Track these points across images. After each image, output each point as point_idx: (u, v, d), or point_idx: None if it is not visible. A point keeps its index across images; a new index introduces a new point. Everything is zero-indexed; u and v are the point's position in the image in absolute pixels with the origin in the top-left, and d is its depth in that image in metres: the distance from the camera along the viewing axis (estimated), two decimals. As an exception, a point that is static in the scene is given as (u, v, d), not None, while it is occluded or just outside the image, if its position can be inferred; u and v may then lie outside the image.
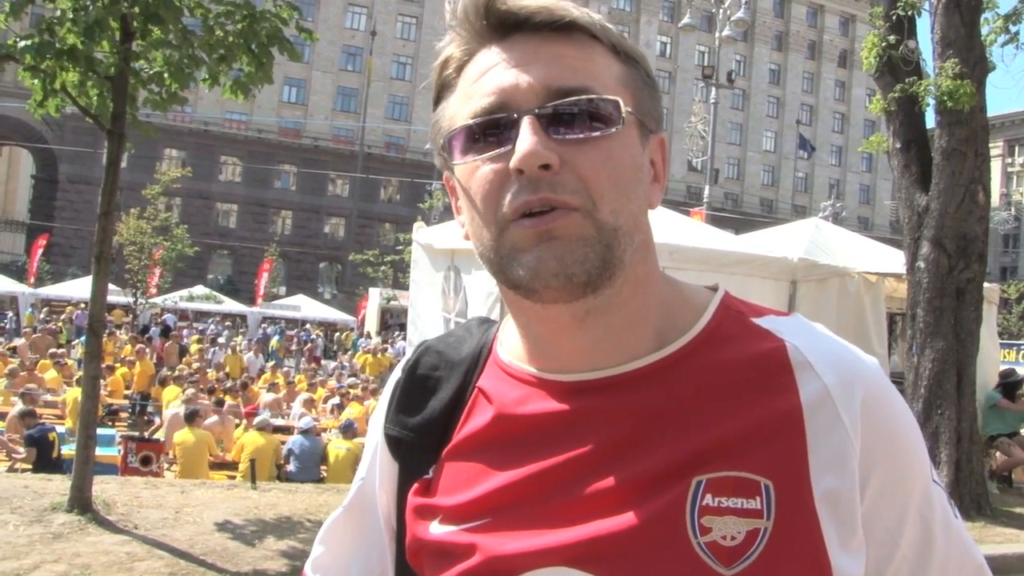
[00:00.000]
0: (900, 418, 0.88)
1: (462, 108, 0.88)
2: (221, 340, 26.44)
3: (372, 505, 1.06)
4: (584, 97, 0.83)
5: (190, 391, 12.83)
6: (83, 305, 30.03)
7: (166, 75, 7.21)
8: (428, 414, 0.99)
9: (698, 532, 0.81)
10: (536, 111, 0.82)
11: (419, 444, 0.98)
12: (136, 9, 6.55)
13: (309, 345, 28.67)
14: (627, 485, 0.84)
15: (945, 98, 8.80)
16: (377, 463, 1.05)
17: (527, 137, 0.81)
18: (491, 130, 0.84)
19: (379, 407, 1.07)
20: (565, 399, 0.89)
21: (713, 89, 25.99)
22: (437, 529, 0.92)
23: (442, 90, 0.93)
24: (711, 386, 0.86)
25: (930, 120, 9.81)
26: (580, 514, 0.84)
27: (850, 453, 0.83)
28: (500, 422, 0.92)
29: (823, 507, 0.81)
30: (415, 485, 0.97)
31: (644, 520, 0.82)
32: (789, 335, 0.89)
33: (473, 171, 0.86)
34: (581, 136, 0.83)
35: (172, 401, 12.60)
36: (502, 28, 0.87)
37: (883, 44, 9.67)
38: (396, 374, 1.06)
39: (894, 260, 10.69)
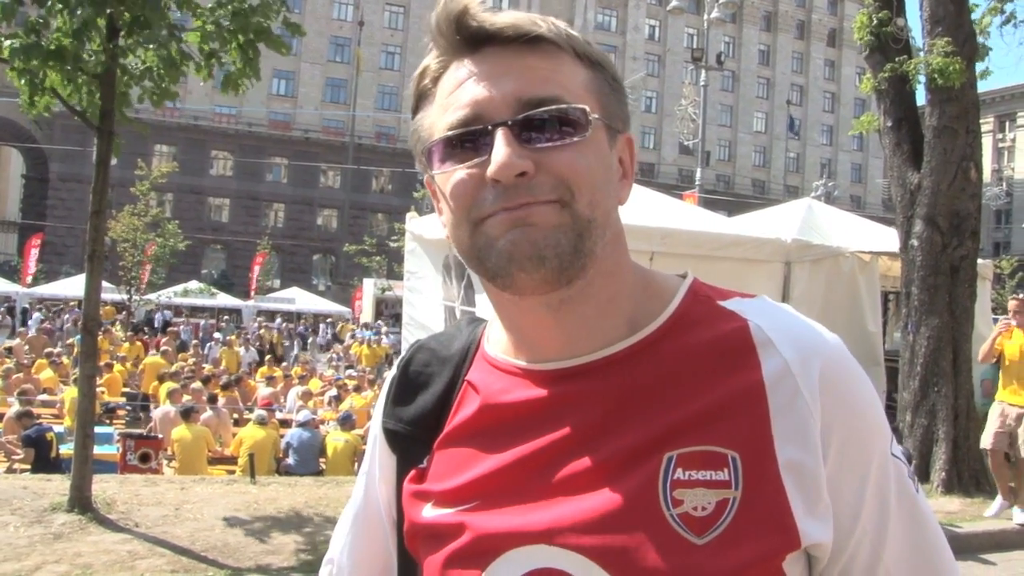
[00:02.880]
0: (857, 391, 0.92)
1: (439, 119, 0.92)
2: (217, 336, 26.39)
3: (375, 497, 1.11)
4: (554, 107, 0.88)
5: (196, 385, 12.86)
6: (72, 304, 30.09)
7: (156, 70, 7.19)
8: (421, 407, 1.05)
9: (670, 505, 0.85)
10: (509, 122, 0.87)
11: (414, 436, 1.04)
12: (123, 8, 6.50)
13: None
14: (602, 465, 0.89)
15: (935, 76, 8.80)
16: (377, 457, 1.10)
17: (501, 148, 0.85)
18: (467, 140, 0.89)
19: (378, 403, 1.12)
20: (544, 386, 0.95)
21: (703, 71, 25.88)
22: (429, 512, 0.97)
23: (420, 99, 0.97)
24: (679, 367, 0.91)
25: (921, 98, 9.82)
26: (560, 494, 0.90)
27: (810, 424, 0.87)
28: (486, 411, 0.98)
29: (787, 475, 0.86)
30: (411, 474, 1.02)
31: (618, 496, 0.87)
32: (752, 315, 0.93)
33: (451, 179, 0.90)
34: (552, 144, 0.88)
35: (165, 398, 12.58)
36: (474, 41, 0.91)
37: (873, 23, 9.66)
38: (392, 371, 1.12)
39: (888, 239, 10.70)
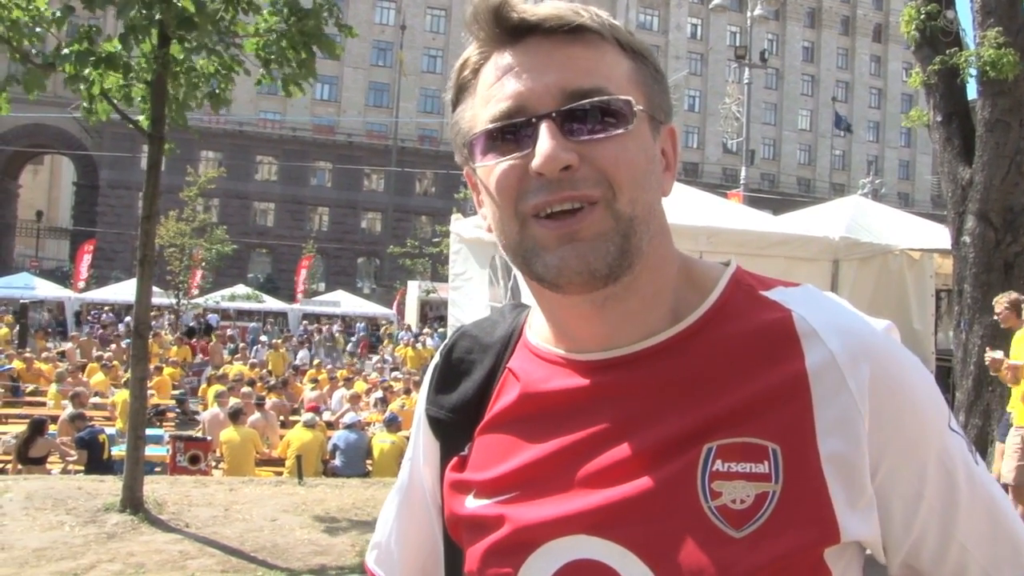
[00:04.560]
0: (909, 379, 0.90)
1: (481, 111, 0.91)
2: (263, 339, 26.70)
3: (420, 483, 1.12)
4: (598, 99, 0.87)
5: (245, 388, 13.06)
6: (107, 309, 30.66)
7: (214, 76, 7.32)
8: (463, 394, 1.06)
9: (709, 497, 0.85)
10: (553, 114, 0.86)
11: (456, 423, 1.05)
12: (171, 14, 6.61)
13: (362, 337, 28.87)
14: (641, 455, 0.89)
15: (987, 68, 8.61)
16: (421, 442, 1.11)
17: (546, 141, 0.85)
18: (510, 132, 0.88)
19: (421, 389, 1.14)
20: (585, 376, 0.94)
21: (746, 69, 25.72)
22: (471, 503, 0.98)
23: (460, 92, 0.97)
24: (721, 358, 0.90)
25: (972, 91, 9.62)
26: (599, 485, 0.89)
27: (856, 417, 0.85)
28: (526, 399, 0.98)
29: (829, 469, 0.84)
30: (453, 461, 1.03)
31: (657, 487, 0.87)
32: (796, 305, 0.92)
33: (493, 171, 0.90)
34: (597, 136, 0.87)
35: (214, 400, 12.79)
36: (515, 32, 0.90)
37: (921, 16, 9.49)
38: (435, 358, 1.13)
39: (938, 236, 10.51)
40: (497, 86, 0.90)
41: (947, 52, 9.25)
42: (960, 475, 0.90)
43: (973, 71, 9.09)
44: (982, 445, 8.78)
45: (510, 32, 0.90)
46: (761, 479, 0.84)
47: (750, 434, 0.86)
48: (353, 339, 30.79)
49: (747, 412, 0.87)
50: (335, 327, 33.67)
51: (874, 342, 0.89)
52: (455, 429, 1.05)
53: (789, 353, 0.88)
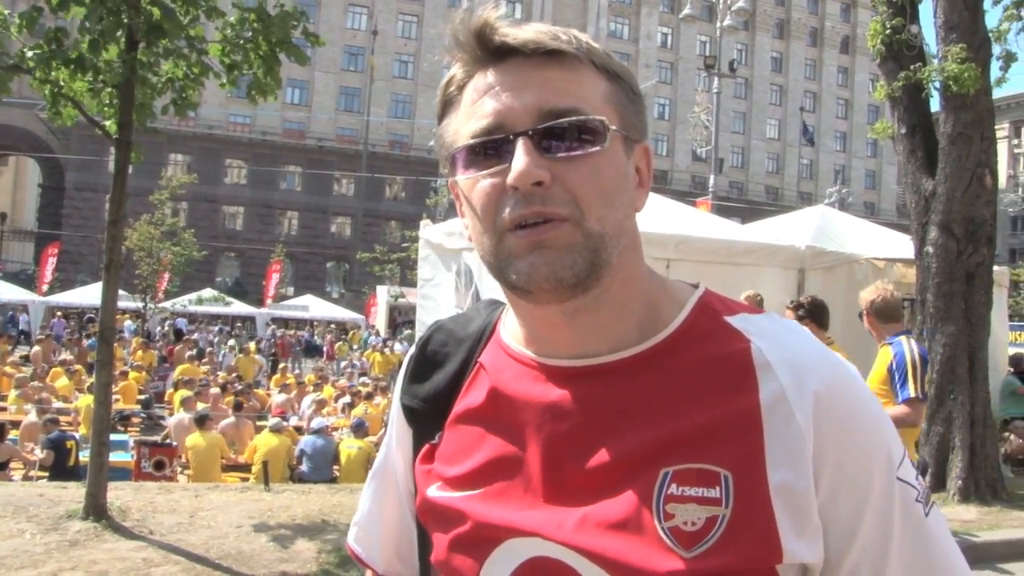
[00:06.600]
0: (856, 418, 0.93)
1: (463, 127, 0.96)
2: (232, 343, 26.44)
3: (393, 467, 1.19)
4: (573, 119, 0.91)
5: (214, 390, 12.93)
6: (59, 314, 30.25)
7: (179, 81, 7.28)
8: (435, 385, 1.11)
9: (663, 518, 0.89)
10: (529, 132, 0.91)
11: (428, 412, 1.10)
12: (140, 19, 6.57)
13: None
14: (601, 470, 0.93)
15: (950, 83, 8.76)
16: (395, 429, 1.17)
17: (521, 157, 0.89)
18: (490, 148, 0.93)
19: (398, 379, 1.20)
20: (554, 383, 0.98)
21: (715, 79, 25.88)
22: (437, 493, 1.04)
23: (446, 106, 1.01)
24: (682, 381, 0.94)
25: (935, 104, 9.78)
26: (559, 492, 0.94)
27: (803, 449, 0.89)
28: (494, 396, 1.03)
29: (777, 497, 0.88)
30: (424, 449, 1.09)
31: (614, 504, 0.91)
32: (756, 336, 0.96)
33: (474, 185, 0.94)
34: (570, 154, 0.91)
35: (179, 405, 12.66)
36: (497, 53, 0.95)
37: (887, 30, 9.63)
38: (411, 350, 1.19)
39: (903, 245, 10.66)
40: (479, 104, 0.94)
41: (911, 66, 9.40)
42: (896, 525, 0.92)
43: (936, 85, 9.25)
44: (944, 452, 8.91)
45: (492, 53, 0.95)
46: (712, 503, 0.88)
47: (704, 460, 0.90)
48: (356, 349, 30.42)
49: (703, 438, 0.90)
50: (302, 333, 33.48)
51: (822, 373, 0.92)
52: (427, 418, 1.10)
53: (745, 384, 0.92)
